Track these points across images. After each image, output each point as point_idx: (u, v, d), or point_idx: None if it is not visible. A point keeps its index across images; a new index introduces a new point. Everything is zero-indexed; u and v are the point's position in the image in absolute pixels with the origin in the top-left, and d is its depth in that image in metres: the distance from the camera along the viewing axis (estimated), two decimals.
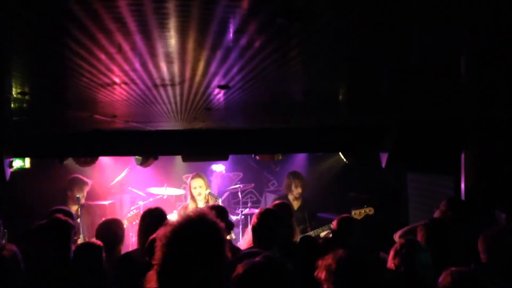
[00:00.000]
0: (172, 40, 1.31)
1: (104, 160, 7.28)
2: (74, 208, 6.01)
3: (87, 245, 3.60)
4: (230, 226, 4.54)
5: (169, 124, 4.74)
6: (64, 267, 3.36)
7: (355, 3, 1.17)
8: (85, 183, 6.38)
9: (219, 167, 8.04)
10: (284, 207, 4.44)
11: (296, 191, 6.49)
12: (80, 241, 5.37)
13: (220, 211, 4.20)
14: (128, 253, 4.10)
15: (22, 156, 5.58)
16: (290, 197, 6.52)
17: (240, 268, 1.95)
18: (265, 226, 3.70)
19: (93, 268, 3.35)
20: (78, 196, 6.13)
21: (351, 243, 3.43)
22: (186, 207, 6.24)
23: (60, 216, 3.68)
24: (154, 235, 3.28)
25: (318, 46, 1.60)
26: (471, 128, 4.73)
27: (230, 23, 1.17)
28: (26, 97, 2.69)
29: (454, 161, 4.82)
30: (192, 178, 6.36)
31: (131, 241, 6.58)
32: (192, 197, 6.28)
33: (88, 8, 1.04)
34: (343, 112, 4.28)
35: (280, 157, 6.53)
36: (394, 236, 4.47)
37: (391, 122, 4.99)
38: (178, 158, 6.36)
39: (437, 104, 3.73)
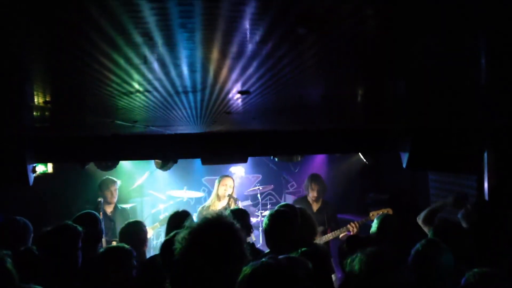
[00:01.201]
0: (197, 51, 1.34)
1: (124, 164, 7.36)
2: (109, 210, 6.18)
3: (117, 248, 3.57)
4: (250, 229, 4.55)
5: (189, 127, 4.78)
6: (70, 274, 3.35)
7: (374, 11, 1.18)
8: (107, 184, 6.41)
9: (238, 169, 8.07)
10: (290, 208, 4.43)
11: (312, 194, 6.48)
12: (114, 243, 5.44)
13: (241, 214, 4.23)
14: (154, 256, 4.14)
15: (44, 161, 5.68)
16: (309, 198, 6.52)
17: (247, 269, 1.97)
18: (276, 228, 3.65)
19: (124, 272, 3.34)
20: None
21: (390, 242, 3.38)
22: (208, 207, 6.30)
23: (69, 222, 3.68)
24: (167, 237, 3.34)
25: (336, 53, 1.62)
26: (493, 128, 4.67)
27: (254, 34, 1.19)
28: (49, 105, 2.75)
29: (477, 160, 4.76)
30: (223, 177, 6.47)
31: (152, 244, 6.66)
32: (217, 197, 6.35)
33: (116, 23, 1.06)
34: (360, 116, 4.27)
35: (299, 159, 6.53)
36: (417, 219, 4.48)
37: (411, 125, 4.95)
38: (198, 161, 6.42)
39: (455, 113, 3.69)
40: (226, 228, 2.20)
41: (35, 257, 3.34)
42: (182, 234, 2.20)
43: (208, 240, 2.13)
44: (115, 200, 6.37)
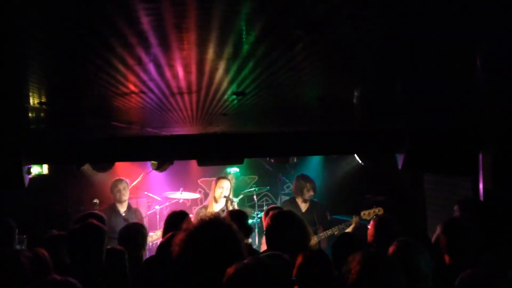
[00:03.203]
0: (191, 52, 1.33)
1: (120, 166, 7.32)
2: (122, 210, 6.24)
3: (111, 250, 3.58)
4: (249, 230, 4.53)
5: (185, 129, 4.77)
6: (98, 272, 3.37)
7: (370, 16, 1.18)
8: (116, 184, 6.40)
9: (233, 170, 8.04)
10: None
11: (308, 194, 6.46)
12: None
13: (240, 215, 4.21)
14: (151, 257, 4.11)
15: (40, 162, 5.65)
16: (299, 199, 6.50)
17: (230, 269, 1.96)
18: (278, 229, 3.64)
19: (119, 273, 3.36)
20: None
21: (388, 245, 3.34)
22: (206, 208, 6.28)
23: (94, 221, 3.69)
24: (163, 239, 3.34)
25: (332, 56, 1.62)
26: (488, 130, 4.68)
27: (248, 35, 1.18)
28: (44, 106, 2.74)
29: (472, 161, 4.76)
30: (220, 178, 6.44)
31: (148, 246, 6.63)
32: (214, 199, 6.33)
33: (110, 23, 1.05)
34: (356, 117, 4.27)
35: (295, 160, 6.52)
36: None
37: (407, 127, 4.96)
38: (193, 162, 6.40)
39: (450, 115, 3.70)
40: (223, 229, 2.20)
41: (45, 259, 3.35)
42: (179, 236, 2.20)
43: (206, 242, 2.13)
44: (124, 198, 6.38)
